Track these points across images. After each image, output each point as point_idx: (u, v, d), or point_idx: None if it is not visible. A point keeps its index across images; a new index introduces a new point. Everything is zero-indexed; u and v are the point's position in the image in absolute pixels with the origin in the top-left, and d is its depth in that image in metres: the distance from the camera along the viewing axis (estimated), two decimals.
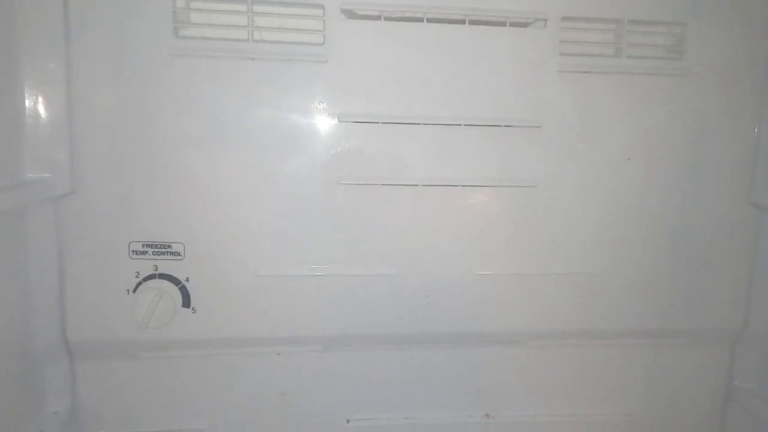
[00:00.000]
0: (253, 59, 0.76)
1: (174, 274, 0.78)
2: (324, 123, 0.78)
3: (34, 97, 0.73)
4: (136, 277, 0.78)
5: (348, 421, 0.88)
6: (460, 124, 0.80)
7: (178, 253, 0.78)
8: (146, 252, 0.78)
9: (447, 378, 0.89)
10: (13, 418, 0.74)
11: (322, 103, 0.78)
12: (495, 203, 0.83)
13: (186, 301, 0.79)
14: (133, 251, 0.77)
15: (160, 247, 0.78)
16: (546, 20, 0.80)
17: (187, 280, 0.79)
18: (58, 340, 0.79)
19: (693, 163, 0.86)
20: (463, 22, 0.78)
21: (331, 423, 0.89)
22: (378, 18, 0.77)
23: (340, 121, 0.78)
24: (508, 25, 0.79)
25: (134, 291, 0.78)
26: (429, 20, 0.78)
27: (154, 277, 0.78)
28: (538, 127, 0.82)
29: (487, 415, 0.91)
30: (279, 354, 0.85)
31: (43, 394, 0.80)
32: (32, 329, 0.77)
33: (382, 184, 0.80)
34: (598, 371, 0.92)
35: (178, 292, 0.79)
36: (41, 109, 0.74)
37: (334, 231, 0.81)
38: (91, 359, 0.81)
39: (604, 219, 0.85)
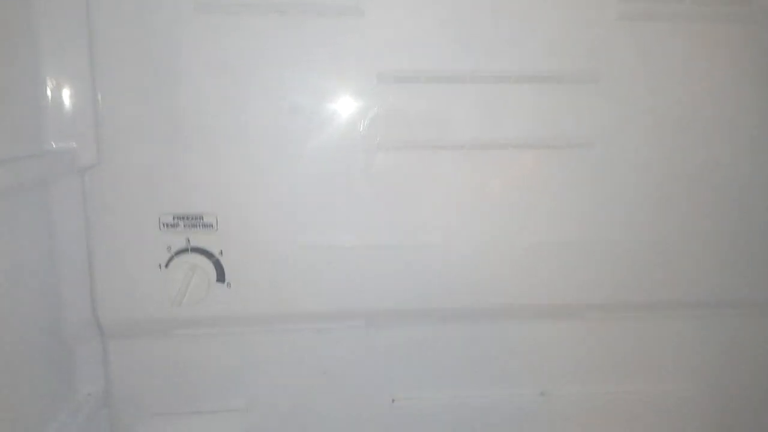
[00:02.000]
0: (283, 13, 0.70)
1: (207, 248, 0.74)
2: (361, 82, 0.72)
3: (56, 62, 0.68)
4: (168, 251, 0.73)
5: (393, 401, 0.84)
6: (509, 79, 0.73)
7: (211, 225, 0.73)
8: (177, 224, 0.73)
9: (498, 354, 0.84)
10: (45, 401, 0.71)
11: (359, 60, 0.72)
12: (547, 165, 0.77)
13: (220, 276, 0.75)
14: (163, 224, 0.73)
15: (192, 219, 0.73)
16: None
17: (221, 253, 0.74)
18: (89, 319, 0.75)
19: (765, 117, 0.78)
20: None
21: (375, 402, 0.84)
22: None
23: (378, 80, 0.72)
24: None
25: (166, 266, 0.74)
26: None
27: (187, 251, 0.74)
28: (596, 80, 0.74)
29: (542, 393, 0.85)
30: (319, 330, 0.81)
31: (76, 375, 0.77)
32: (61, 307, 0.74)
33: (426, 148, 0.74)
34: (660, 345, 0.86)
35: (212, 266, 0.74)
36: (63, 76, 0.69)
37: (375, 198, 0.75)
38: (123, 338, 0.77)
39: (668, 181, 0.78)
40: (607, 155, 0.77)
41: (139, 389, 0.80)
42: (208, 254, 0.74)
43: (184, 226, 0.73)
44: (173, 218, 0.73)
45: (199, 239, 0.74)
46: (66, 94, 0.69)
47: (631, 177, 0.77)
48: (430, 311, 0.80)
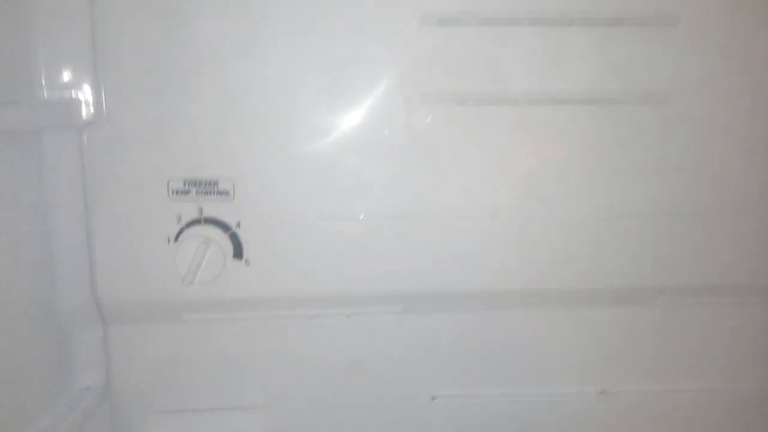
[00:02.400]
0: None
1: (223, 219, 0.64)
2: (402, 25, 0.62)
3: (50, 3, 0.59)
4: (178, 222, 0.64)
5: (433, 398, 0.73)
6: (572, 21, 0.63)
7: (227, 192, 0.63)
8: (189, 191, 0.63)
9: (554, 346, 0.73)
10: (36, 394, 0.61)
11: None
12: (615, 124, 0.66)
13: (238, 251, 0.65)
14: (172, 191, 0.63)
15: (206, 185, 0.63)
16: None
17: (239, 225, 0.64)
18: (87, 301, 0.66)
19: None
20: None
21: (413, 399, 0.74)
22: None
23: (421, 23, 0.62)
24: None
25: (175, 239, 0.64)
26: None
27: (199, 222, 0.64)
28: (673, 23, 0.64)
29: (603, 391, 0.74)
30: (349, 316, 0.70)
31: (72, 366, 0.67)
32: (56, 287, 0.64)
33: (474, 103, 0.64)
34: (739, 336, 0.75)
35: (228, 240, 0.64)
36: (58, 19, 0.60)
37: (416, 162, 0.65)
38: (126, 323, 0.68)
39: (755, 144, 0.67)
40: (684, 113, 0.66)
41: (144, 382, 0.70)
42: (223, 226, 0.64)
43: (197, 193, 0.63)
44: (184, 184, 0.63)
45: (214, 209, 0.64)
46: (61, 38, 0.60)
47: (712, 138, 0.66)
48: (478, 295, 0.70)
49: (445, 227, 0.66)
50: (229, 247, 0.64)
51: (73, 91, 0.60)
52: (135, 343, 0.69)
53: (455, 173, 0.65)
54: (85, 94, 0.61)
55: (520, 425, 0.75)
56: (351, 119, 0.63)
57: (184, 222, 0.64)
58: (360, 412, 0.73)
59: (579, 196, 0.67)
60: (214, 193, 0.63)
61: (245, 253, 0.65)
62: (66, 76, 0.60)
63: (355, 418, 0.74)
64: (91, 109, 0.61)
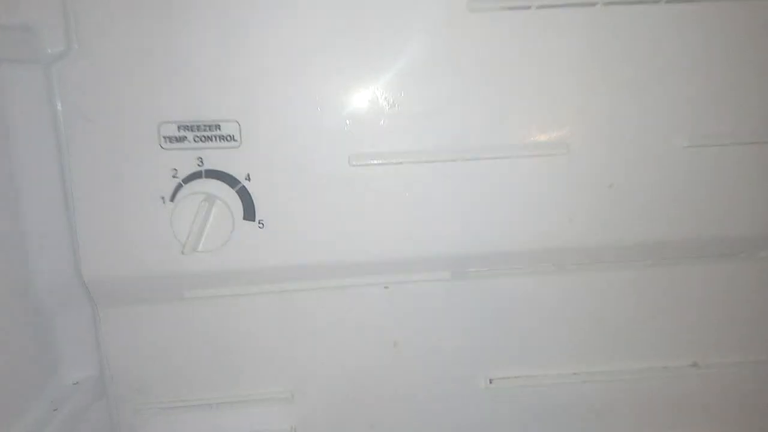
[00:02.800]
0: None
1: (228, 171, 0.52)
2: None
3: None
4: (174, 176, 0.51)
5: (491, 381, 0.61)
6: None
7: (232, 137, 0.51)
8: (185, 138, 0.51)
9: (635, 313, 0.60)
10: (15, 394, 0.50)
11: None
12: None
13: (248, 211, 0.52)
14: (165, 137, 0.51)
15: (206, 129, 0.51)
16: None
17: (248, 178, 0.52)
18: (70, 279, 0.54)
19: None
20: None
21: (466, 383, 0.62)
22: None
23: None
24: None
25: (172, 198, 0.52)
26: None
27: (200, 176, 0.51)
28: None
29: (695, 364, 0.62)
30: (388, 287, 0.58)
31: (57, 357, 0.56)
32: (31, 263, 0.52)
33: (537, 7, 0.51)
34: None
35: (236, 197, 0.52)
36: None
37: (466, 86, 0.52)
38: (118, 305, 0.56)
39: None
40: None
41: (146, 374, 0.59)
42: (229, 180, 0.52)
43: (195, 139, 0.51)
44: (178, 128, 0.51)
45: (218, 158, 0.51)
46: None
47: None
48: (544, 255, 0.57)
49: (503, 170, 0.53)
50: (237, 206, 0.52)
51: (35, 14, 0.48)
52: (131, 328, 0.57)
53: (516, 99, 0.52)
54: (53, 18, 0.48)
55: (597, 410, 0.63)
56: (382, 35, 0.50)
57: (181, 176, 0.52)
58: (402, 401, 0.62)
59: (662, 122, 0.54)
60: (216, 138, 0.51)
61: (258, 213, 0.53)
62: None
63: (397, 409, 0.62)
64: (60, 39, 0.49)
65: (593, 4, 0.50)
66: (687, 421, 0.65)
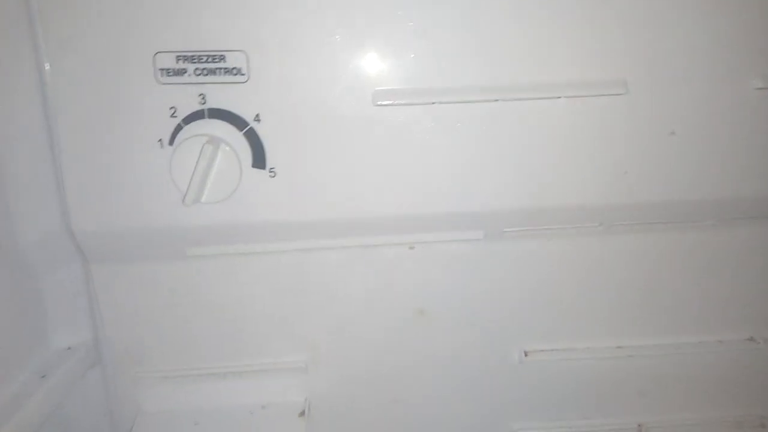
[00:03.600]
0: None
1: (234, 110, 0.45)
2: None
3: None
4: (172, 116, 0.45)
5: (526, 354, 0.55)
6: None
7: (239, 71, 0.44)
8: (184, 70, 0.44)
9: (688, 279, 0.54)
10: None
11: None
12: None
13: (258, 157, 0.46)
14: (161, 70, 0.44)
15: (208, 61, 0.44)
16: None
17: (257, 119, 0.45)
18: (57, 233, 0.48)
19: None
20: None
21: (498, 356, 0.56)
22: None
23: None
24: None
25: (170, 141, 0.45)
26: None
27: (202, 116, 0.45)
28: None
29: (751, 339, 0.56)
30: (413, 247, 0.52)
31: (45, 320, 0.50)
32: (12, 215, 0.47)
33: None
34: None
35: (244, 140, 0.46)
36: None
37: (499, 20, 0.45)
38: (113, 262, 0.50)
39: None
40: None
41: (145, 339, 0.53)
42: (236, 121, 0.45)
43: (196, 72, 0.44)
44: (177, 60, 0.44)
45: (222, 96, 0.45)
46: None
47: None
48: (592, 213, 0.50)
49: (548, 112, 0.46)
50: (245, 151, 0.46)
51: None
52: (127, 289, 0.51)
53: (565, 28, 0.45)
54: None
55: (642, 389, 0.57)
56: None
57: (180, 116, 0.45)
58: (428, 374, 0.56)
59: (735, 69, 0.46)
60: (220, 71, 0.44)
61: (268, 160, 0.46)
62: None
63: (421, 383, 0.56)
64: None
65: None
66: (741, 402, 0.59)
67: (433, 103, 0.45)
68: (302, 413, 0.53)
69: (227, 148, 0.45)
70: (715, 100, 0.47)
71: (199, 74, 0.44)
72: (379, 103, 0.45)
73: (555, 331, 0.55)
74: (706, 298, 0.55)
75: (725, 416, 0.59)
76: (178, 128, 0.45)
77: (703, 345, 0.56)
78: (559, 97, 0.46)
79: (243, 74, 0.44)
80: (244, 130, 0.46)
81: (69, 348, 0.51)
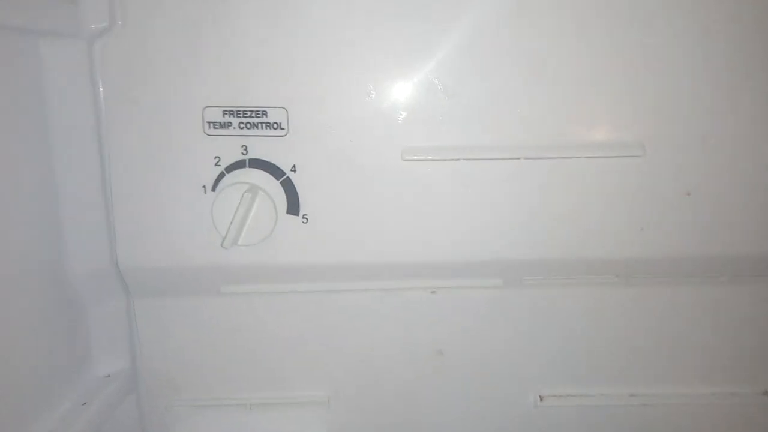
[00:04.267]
0: None
1: (273, 161, 0.49)
2: None
3: None
4: (216, 164, 0.49)
5: (541, 399, 0.57)
6: None
7: (279, 125, 0.48)
8: (229, 124, 0.48)
9: (703, 331, 0.56)
10: (45, 386, 0.48)
11: None
12: None
13: (292, 204, 0.49)
14: (208, 123, 0.48)
15: (251, 116, 0.48)
16: None
17: (294, 169, 0.49)
18: (106, 268, 0.52)
19: None
20: None
21: (514, 399, 0.58)
22: None
23: None
24: None
25: (213, 188, 0.49)
26: None
27: (243, 165, 0.49)
28: None
29: (766, 393, 0.57)
30: (435, 292, 0.54)
31: (89, 349, 0.54)
32: (65, 251, 0.51)
33: None
34: None
35: (281, 188, 0.49)
36: None
37: (523, 83, 0.47)
38: (154, 296, 0.54)
39: None
40: None
41: (179, 370, 0.56)
42: (274, 170, 0.49)
43: (240, 126, 0.48)
44: (223, 114, 0.48)
45: (263, 147, 0.48)
46: None
47: None
48: (609, 266, 0.53)
49: (569, 171, 0.49)
50: (281, 199, 0.49)
51: None
52: (165, 321, 0.55)
53: (587, 93, 0.48)
54: None
55: None
56: (442, 27, 0.46)
57: (224, 165, 0.49)
58: (445, 415, 0.58)
59: (753, 135, 0.48)
60: (262, 125, 0.48)
61: (302, 207, 0.50)
62: None
63: (438, 423, 0.58)
64: (104, 13, 0.46)
65: None
66: None
67: (458, 159, 0.48)
68: None
69: (264, 196, 0.48)
70: (731, 163, 0.49)
71: (243, 127, 0.48)
72: (407, 158, 0.48)
73: (570, 377, 0.57)
74: (720, 351, 0.56)
75: None
76: (221, 176, 0.49)
77: (715, 396, 0.57)
78: (579, 158, 0.48)
79: (283, 129, 0.48)
80: (281, 179, 0.49)
81: (108, 376, 0.54)
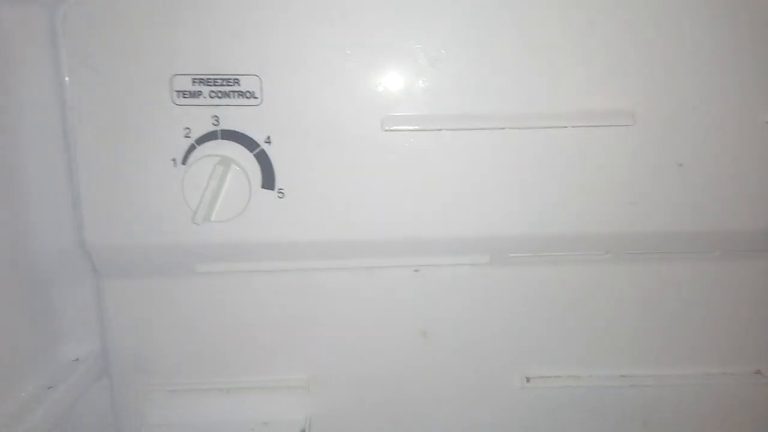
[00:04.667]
0: None
1: (246, 132, 0.46)
2: None
3: None
4: (186, 136, 0.46)
5: (528, 380, 0.55)
6: None
7: (252, 94, 0.45)
8: (200, 93, 0.45)
9: (694, 309, 0.54)
10: (9, 370, 0.45)
11: None
12: None
13: (267, 178, 0.47)
14: (178, 92, 0.45)
15: (223, 84, 0.45)
16: None
17: (268, 141, 0.46)
18: (71, 247, 0.49)
19: None
20: None
21: (500, 380, 0.56)
22: None
23: None
24: None
25: (183, 161, 0.46)
26: None
27: (215, 137, 0.46)
28: None
29: (758, 372, 0.55)
30: (418, 270, 0.52)
31: (55, 332, 0.52)
32: (29, 229, 0.48)
33: None
34: None
35: (254, 161, 0.47)
36: None
37: (509, 50, 0.45)
38: (124, 277, 0.51)
39: None
40: None
41: (152, 353, 0.54)
42: (247, 142, 0.46)
43: (211, 95, 0.46)
44: (193, 82, 0.45)
45: (235, 118, 0.46)
46: None
47: None
48: (599, 241, 0.51)
49: (556, 142, 0.47)
50: (255, 172, 0.47)
51: None
52: (136, 303, 0.52)
53: (576, 59, 0.46)
54: None
55: (645, 419, 0.57)
56: None
57: (194, 137, 0.46)
58: (429, 397, 0.56)
59: (745, 102, 0.47)
60: (234, 94, 0.46)
61: (278, 181, 0.47)
62: None
63: (422, 405, 0.56)
64: None
65: None
66: None
67: (441, 129, 0.46)
68: (302, 431, 0.54)
69: (238, 169, 0.46)
70: (723, 132, 0.47)
71: (214, 97, 0.46)
72: (387, 128, 0.46)
73: (558, 357, 0.55)
74: (712, 329, 0.55)
75: None
76: (192, 148, 0.46)
77: (708, 377, 0.55)
78: (566, 127, 0.46)
79: (256, 97, 0.46)
80: (255, 152, 0.46)
81: (77, 359, 0.52)
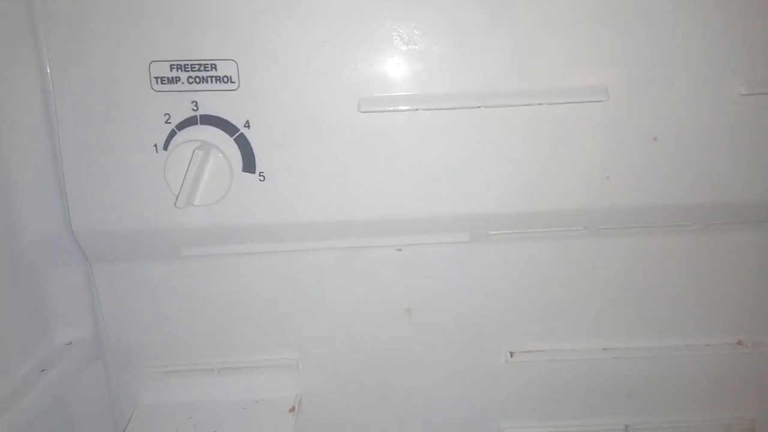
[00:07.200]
0: None
1: (225, 117, 0.47)
2: None
3: None
4: (167, 122, 0.47)
5: (511, 354, 0.56)
6: None
7: (230, 79, 0.46)
8: (178, 78, 0.46)
9: (674, 282, 0.55)
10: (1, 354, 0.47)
11: None
12: None
13: (248, 162, 0.48)
14: (156, 78, 0.46)
15: (201, 69, 0.46)
16: None
17: (248, 125, 0.47)
18: (59, 234, 0.50)
19: None
20: None
21: (483, 356, 0.57)
22: None
23: None
24: None
25: (165, 147, 0.47)
26: None
27: (195, 122, 0.47)
28: None
29: (740, 342, 0.56)
30: (401, 249, 0.53)
31: (47, 317, 0.53)
32: (17, 218, 0.49)
33: None
34: None
35: (234, 145, 0.47)
36: None
37: (483, 28, 0.46)
38: (113, 261, 0.52)
39: None
40: None
41: (143, 336, 0.55)
42: (227, 127, 0.47)
43: (189, 80, 0.46)
44: (171, 68, 0.46)
45: (213, 103, 0.47)
46: None
47: None
48: (576, 217, 0.51)
49: (532, 119, 0.47)
50: (236, 156, 0.48)
51: None
52: (127, 287, 0.54)
53: (549, 36, 0.46)
54: None
55: (628, 390, 0.58)
56: None
57: (174, 122, 0.47)
58: (415, 373, 0.57)
59: (718, 75, 0.47)
60: (212, 79, 0.46)
61: (258, 164, 0.48)
62: None
63: (409, 381, 0.58)
64: None
65: None
66: (730, 405, 0.59)
67: (417, 109, 0.47)
68: (292, 409, 0.55)
69: (218, 154, 0.47)
70: (698, 106, 0.47)
71: (192, 82, 0.46)
72: (364, 110, 0.46)
73: (540, 332, 0.56)
74: (693, 301, 0.55)
75: (714, 419, 0.59)
76: (172, 134, 0.47)
77: (690, 348, 0.56)
78: (541, 104, 0.46)
79: (233, 82, 0.46)
80: (235, 136, 0.47)
81: (70, 343, 0.53)
